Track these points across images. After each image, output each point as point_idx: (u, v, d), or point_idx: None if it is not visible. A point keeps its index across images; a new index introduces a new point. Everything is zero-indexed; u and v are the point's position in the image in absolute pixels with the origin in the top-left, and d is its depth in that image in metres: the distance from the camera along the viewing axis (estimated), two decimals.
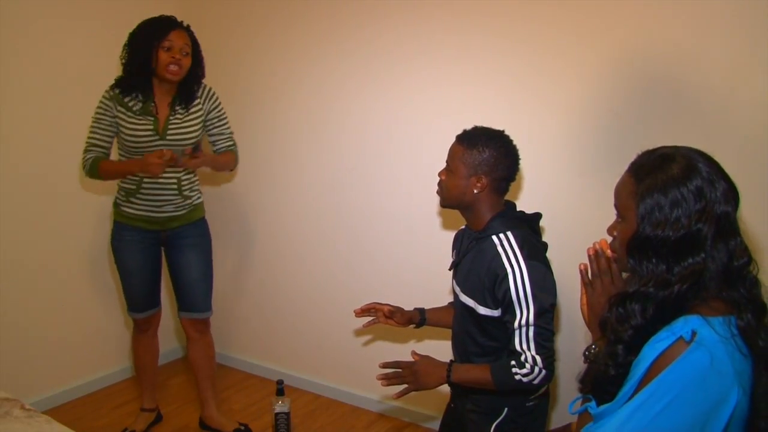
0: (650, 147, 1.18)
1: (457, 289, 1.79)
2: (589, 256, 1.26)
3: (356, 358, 2.89)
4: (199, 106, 2.39)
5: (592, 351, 1.22)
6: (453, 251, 1.91)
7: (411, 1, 2.46)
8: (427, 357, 1.72)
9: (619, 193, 1.16)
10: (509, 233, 1.67)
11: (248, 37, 2.97)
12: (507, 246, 1.65)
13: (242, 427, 2.65)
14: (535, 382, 1.62)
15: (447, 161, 1.75)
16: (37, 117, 2.68)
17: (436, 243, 2.48)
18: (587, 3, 2.10)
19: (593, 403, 1.12)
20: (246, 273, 3.20)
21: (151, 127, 2.29)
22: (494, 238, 1.67)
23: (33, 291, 2.75)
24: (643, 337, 1.06)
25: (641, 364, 1.03)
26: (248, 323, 3.24)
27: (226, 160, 2.49)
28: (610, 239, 1.23)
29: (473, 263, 1.72)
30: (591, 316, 1.27)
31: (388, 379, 1.73)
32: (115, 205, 2.44)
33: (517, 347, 1.61)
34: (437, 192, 1.80)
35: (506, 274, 1.61)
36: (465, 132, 1.74)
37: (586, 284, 1.27)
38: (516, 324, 1.61)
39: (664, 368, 0.99)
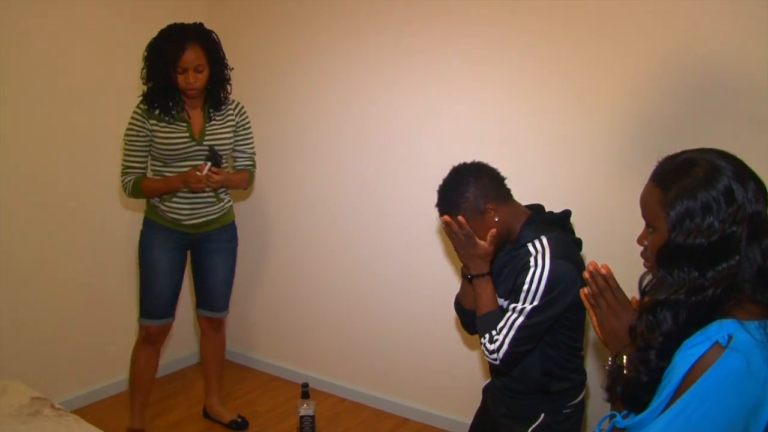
0: (678, 150, 1.16)
1: None
2: (586, 279, 1.28)
3: (381, 362, 2.88)
4: (232, 118, 2.45)
5: (613, 365, 1.22)
6: None
7: (437, 2, 2.45)
8: (481, 252, 1.70)
9: (645, 202, 1.15)
10: (543, 238, 1.67)
11: (276, 39, 2.97)
12: (539, 248, 1.66)
13: (239, 419, 2.73)
14: (486, 358, 1.68)
15: (464, 231, 1.71)
16: (54, 120, 2.68)
17: None
18: (611, 3, 2.08)
19: (619, 418, 1.11)
20: (271, 276, 3.20)
21: (186, 133, 2.34)
22: (529, 245, 1.68)
23: (63, 291, 2.78)
24: (675, 341, 1.04)
25: (676, 371, 1.01)
26: (273, 326, 3.25)
27: (241, 178, 2.51)
28: (600, 262, 1.25)
29: (511, 271, 1.72)
30: (604, 335, 1.28)
31: (449, 226, 1.71)
32: (150, 204, 2.45)
33: (500, 325, 1.65)
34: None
35: (529, 267, 1.63)
36: (439, 204, 1.76)
37: (592, 306, 1.28)
38: (513, 306, 1.64)
39: (700, 375, 0.98)
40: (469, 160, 1.79)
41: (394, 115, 2.66)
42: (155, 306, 2.46)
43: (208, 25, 2.37)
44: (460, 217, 1.69)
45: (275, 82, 3.01)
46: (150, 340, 2.51)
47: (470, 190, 1.70)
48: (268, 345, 3.28)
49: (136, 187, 2.36)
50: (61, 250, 2.76)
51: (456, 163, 1.79)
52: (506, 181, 1.79)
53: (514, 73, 2.33)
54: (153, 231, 2.45)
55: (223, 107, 2.42)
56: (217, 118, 2.40)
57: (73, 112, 2.73)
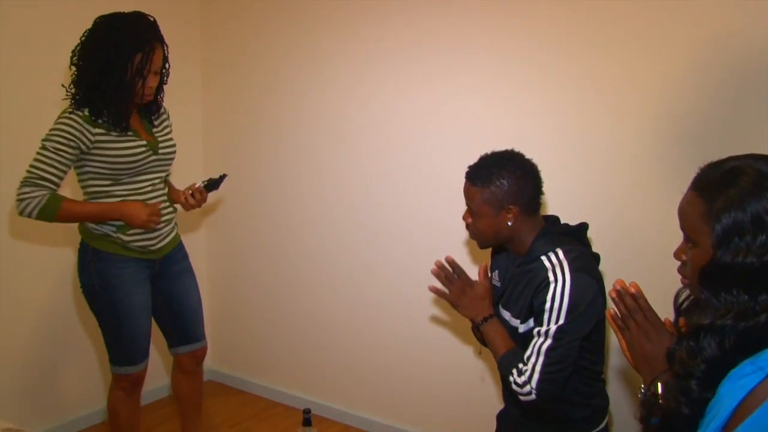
0: (714, 158, 1.08)
1: (506, 315, 1.73)
2: (613, 299, 1.24)
3: (390, 385, 2.75)
4: (167, 121, 2.26)
5: (646, 393, 1.18)
6: (491, 273, 1.84)
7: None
8: (482, 290, 1.73)
9: (685, 214, 1.08)
10: (558, 250, 1.60)
11: (271, 33, 2.91)
12: (556, 261, 1.59)
13: None
14: (522, 399, 1.58)
15: (467, 203, 1.69)
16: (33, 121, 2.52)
17: (478, 254, 2.35)
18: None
19: None
20: (269, 290, 3.10)
21: (143, 142, 2.08)
22: (543, 258, 1.61)
23: (39, 320, 2.69)
24: (720, 370, 0.97)
25: (723, 404, 0.94)
26: (272, 346, 3.14)
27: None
28: (630, 281, 1.21)
29: (525, 287, 1.65)
30: (635, 358, 1.24)
31: (440, 280, 1.75)
32: (100, 235, 2.10)
33: (526, 355, 1.57)
34: (470, 235, 1.76)
35: (548, 284, 1.56)
36: (473, 168, 1.69)
37: (621, 328, 1.25)
38: (536, 330, 1.57)
39: (754, 410, 0.90)
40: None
41: (395, 111, 2.57)
42: (137, 349, 2.18)
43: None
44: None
45: (271, 77, 2.95)
46: (133, 389, 2.25)
47: (511, 181, 1.62)
48: (267, 367, 3.17)
49: (51, 207, 1.95)
50: (36, 278, 2.66)
51: (511, 150, 1.73)
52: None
53: (530, 67, 2.23)
54: (118, 265, 2.11)
55: (159, 109, 2.21)
56: (156, 123, 2.19)
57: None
